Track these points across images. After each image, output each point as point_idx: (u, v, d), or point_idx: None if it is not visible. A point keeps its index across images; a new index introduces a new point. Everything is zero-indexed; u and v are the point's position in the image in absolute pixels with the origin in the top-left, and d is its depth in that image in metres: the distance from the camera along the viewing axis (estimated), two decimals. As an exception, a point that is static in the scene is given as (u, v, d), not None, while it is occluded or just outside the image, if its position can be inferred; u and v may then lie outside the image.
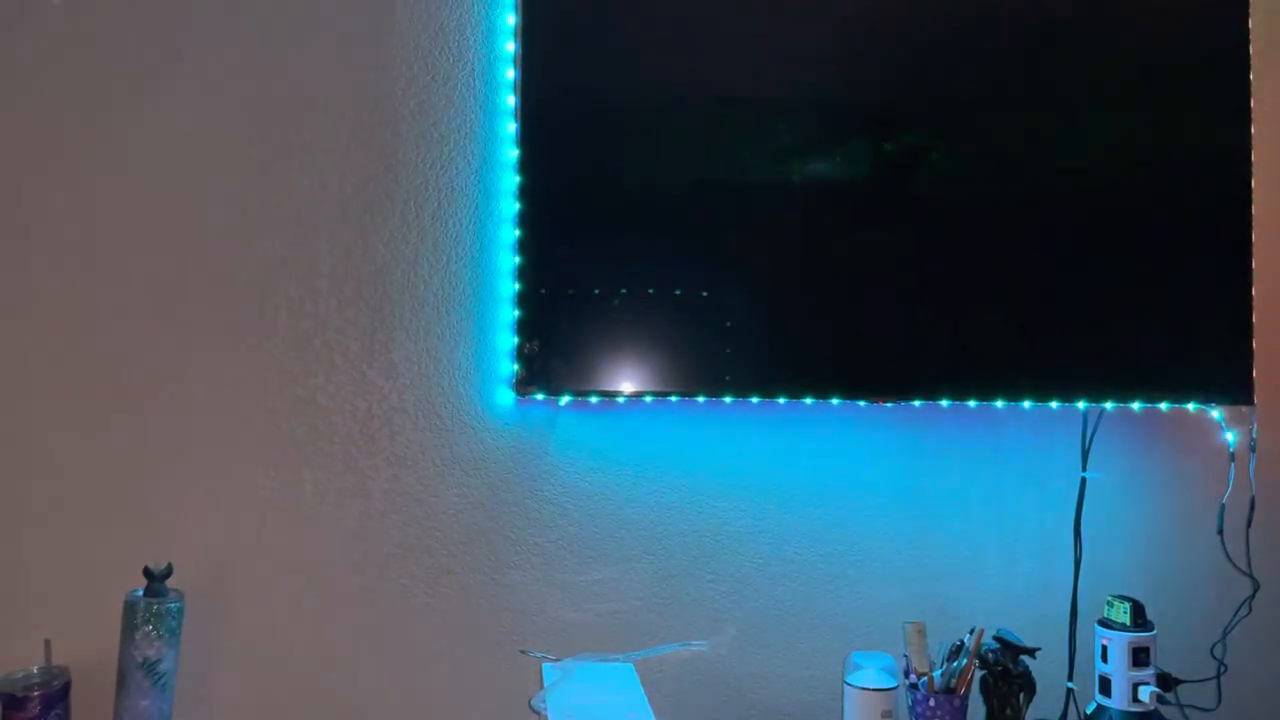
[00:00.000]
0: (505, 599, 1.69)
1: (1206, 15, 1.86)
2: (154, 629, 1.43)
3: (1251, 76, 1.88)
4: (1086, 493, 1.89)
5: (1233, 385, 1.83)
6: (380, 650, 1.64)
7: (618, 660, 1.66)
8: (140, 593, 1.47)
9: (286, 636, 1.62)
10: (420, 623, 1.66)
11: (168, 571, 1.48)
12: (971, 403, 1.74)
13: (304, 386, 1.63)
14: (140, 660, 1.43)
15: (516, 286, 1.62)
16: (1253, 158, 1.87)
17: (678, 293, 1.65)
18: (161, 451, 1.58)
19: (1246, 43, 1.88)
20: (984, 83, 1.77)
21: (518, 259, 1.62)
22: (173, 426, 1.59)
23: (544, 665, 1.63)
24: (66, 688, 1.47)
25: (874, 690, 1.59)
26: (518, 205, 1.62)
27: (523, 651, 1.68)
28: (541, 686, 1.55)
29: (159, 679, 1.44)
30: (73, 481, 1.56)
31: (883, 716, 1.58)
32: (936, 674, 1.61)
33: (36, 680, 1.45)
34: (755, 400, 1.69)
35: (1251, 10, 1.87)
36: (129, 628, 1.44)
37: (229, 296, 1.62)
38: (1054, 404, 1.78)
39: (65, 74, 1.58)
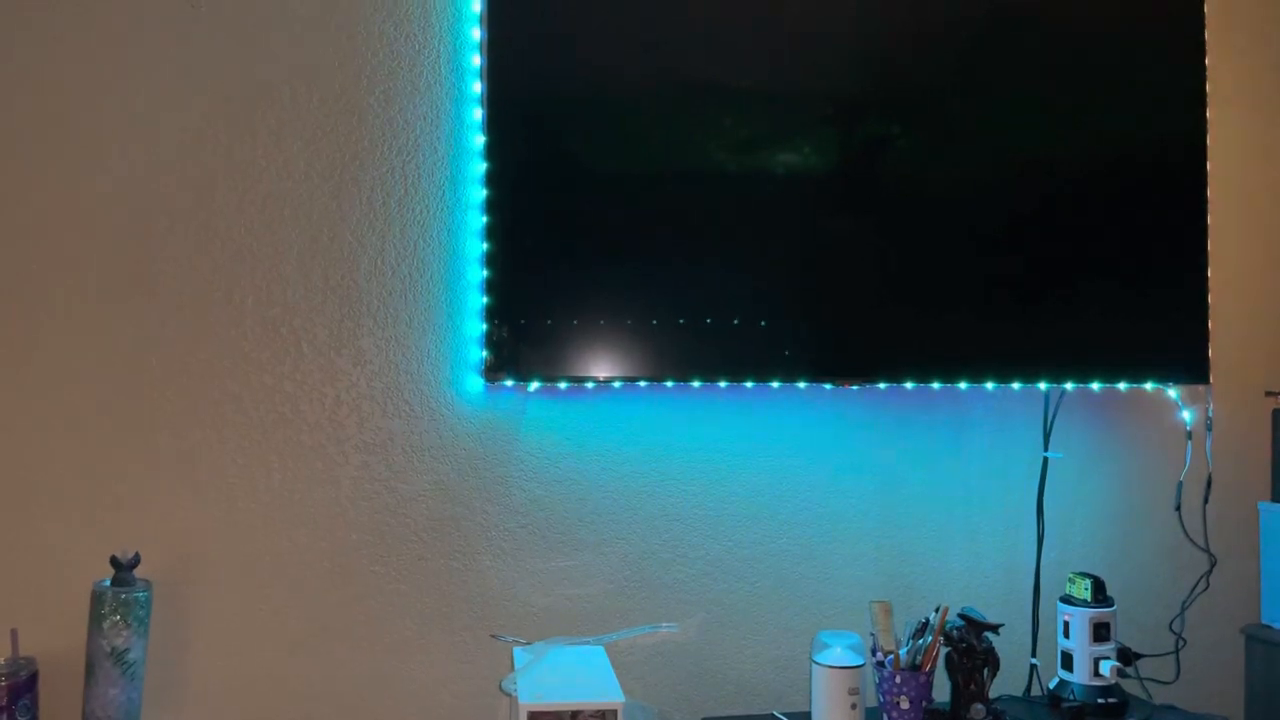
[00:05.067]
0: (476, 584, 1.69)
1: (1163, 1, 1.90)
2: (122, 618, 1.43)
3: (1207, 61, 1.91)
4: (1048, 472, 1.92)
5: (1189, 365, 1.87)
6: (351, 636, 1.65)
7: (588, 643, 1.68)
8: (108, 582, 1.46)
9: (256, 624, 1.61)
10: (391, 609, 1.66)
11: (135, 560, 1.47)
12: (935, 384, 1.76)
13: (271, 374, 1.63)
14: (108, 650, 1.42)
15: (484, 273, 1.62)
16: (1208, 142, 1.90)
17: (646, 279, 1.66)
18: (128, 440, 1.58)
19: (1202, 28, 1.92)
20: (946, 71, 1.80)
21: (485, 245, 1.62)
22: (139, 415, 1.58)
23: (515, 649, 1.65)
24: (34, 678, 1.46)
25: (841, 668, 1.61)
26: (485, 192, 1.62)
27: (494, 636, 1.69)
28: (512, 670, 1.56)
29: (128, 668, 1.43)
30: (38, 471, 1.55)
31: (850, 694, 1.60)
32: (903, 651, 1.63)
33: (3, 671, 1.44)
34: (723, 384, 1.71)
35: (1206, -4, 1.91)
36: (97, 617, 1.43)
37: (195, 285, 1.61)
38: (1016, 385, 1.81)
39: (30, 62, 1.56)
